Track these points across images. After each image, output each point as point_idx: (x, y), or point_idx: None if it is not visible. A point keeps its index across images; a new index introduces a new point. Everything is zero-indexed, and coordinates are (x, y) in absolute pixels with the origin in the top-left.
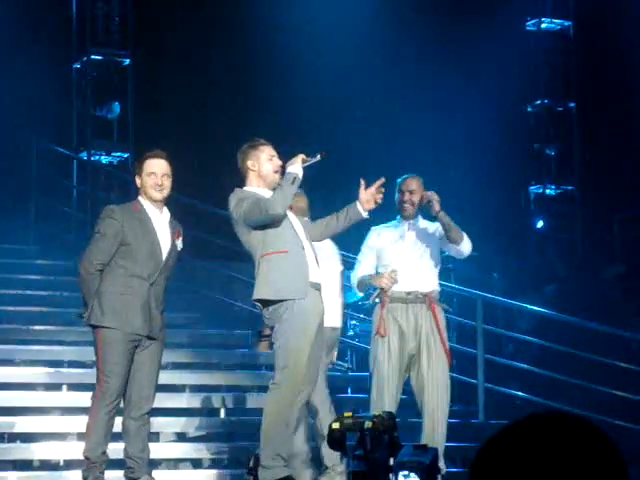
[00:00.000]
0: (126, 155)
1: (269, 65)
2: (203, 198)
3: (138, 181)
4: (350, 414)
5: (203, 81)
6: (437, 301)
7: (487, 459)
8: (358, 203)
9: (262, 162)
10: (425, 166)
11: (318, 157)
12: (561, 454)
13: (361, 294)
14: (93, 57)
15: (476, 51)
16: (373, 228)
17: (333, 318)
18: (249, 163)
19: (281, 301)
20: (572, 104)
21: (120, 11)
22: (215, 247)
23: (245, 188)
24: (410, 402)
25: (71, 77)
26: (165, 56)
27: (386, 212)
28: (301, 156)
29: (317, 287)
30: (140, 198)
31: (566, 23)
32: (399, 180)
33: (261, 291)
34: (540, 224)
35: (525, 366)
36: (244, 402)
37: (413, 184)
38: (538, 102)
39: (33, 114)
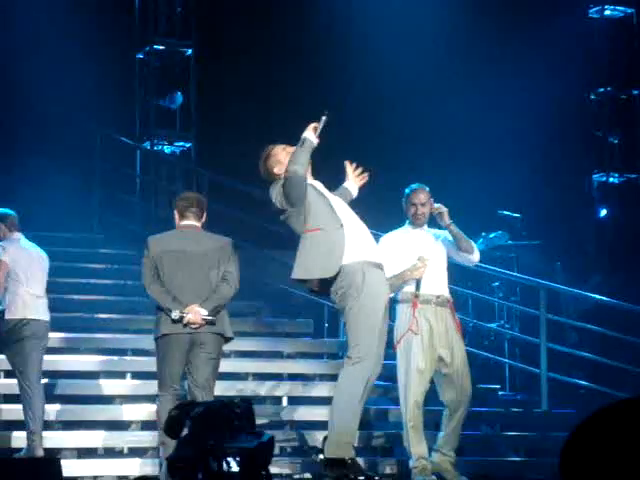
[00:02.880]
0: (189, 145)
1: (333, 55)
2: (264, 187)
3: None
4: (190, 401)
5: (265, 70)
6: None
7: (578, 446)
8: (349, 184)
9: (283, 160)
10: (489, 154)
11: (323, 118)
12: None
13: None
14: (156, 47)
15: (539, 38)
16: (385, 236)
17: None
18: (275, 170)
19: (346, 284)
20: (636, 92)
21: (183, 1)
22: (275, 236)
23: None
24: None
25: (134, 67)
26: (227, 46)
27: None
28: (312, 125)
29: (380, 267)
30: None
31: (629, 10)
32: (407, 191)
33: (295, 270)
34: (604, 212)
35: (589, 355)
36: (307, 390)
37: (423, 196)
38: (601, 90)
39: (96, 104)
